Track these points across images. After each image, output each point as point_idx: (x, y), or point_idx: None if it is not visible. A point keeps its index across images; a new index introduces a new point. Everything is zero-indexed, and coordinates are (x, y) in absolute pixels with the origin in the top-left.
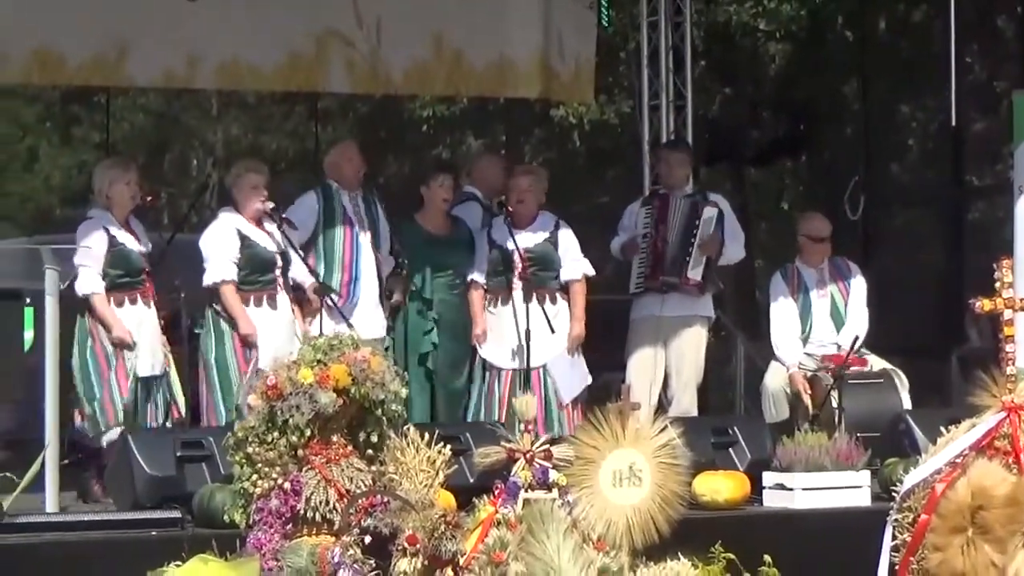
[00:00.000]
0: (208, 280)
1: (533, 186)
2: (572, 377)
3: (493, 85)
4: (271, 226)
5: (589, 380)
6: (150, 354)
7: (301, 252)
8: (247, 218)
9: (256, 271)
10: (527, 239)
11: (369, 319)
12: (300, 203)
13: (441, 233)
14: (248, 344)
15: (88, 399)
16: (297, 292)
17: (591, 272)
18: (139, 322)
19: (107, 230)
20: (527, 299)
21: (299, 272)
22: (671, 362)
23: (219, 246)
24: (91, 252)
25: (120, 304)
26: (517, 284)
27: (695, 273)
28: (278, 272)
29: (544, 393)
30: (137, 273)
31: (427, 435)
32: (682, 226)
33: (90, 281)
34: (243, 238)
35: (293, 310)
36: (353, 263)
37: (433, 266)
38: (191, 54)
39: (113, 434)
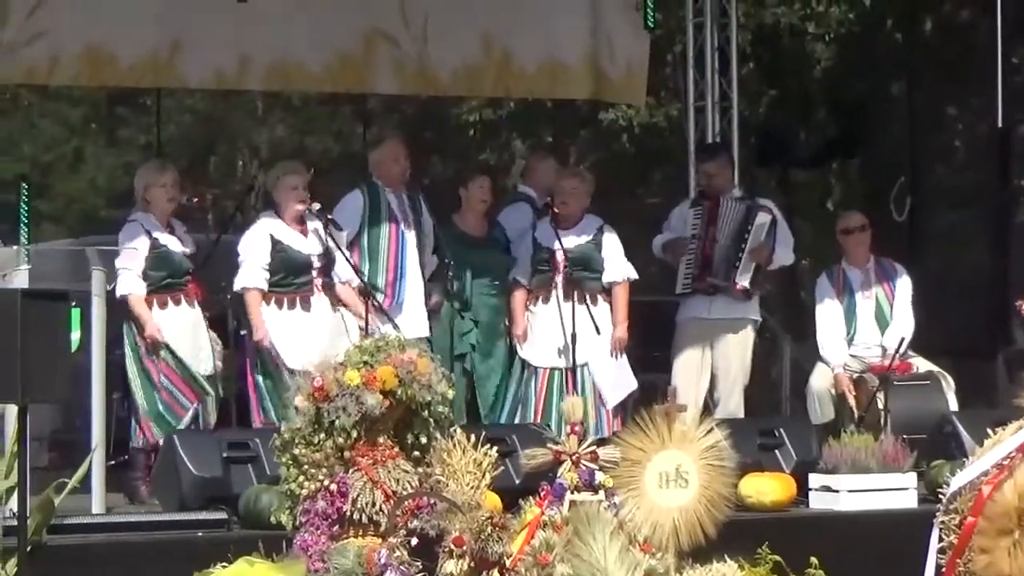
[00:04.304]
0: (236, 286)
1: (578, 188)
2: (617, 382)
3: (543, 86)
4: (314, 226)
5: (634, 386)
6: (195, 354)
7: (347, 252)
8: (287, 220)
9: (290, 274)
10: (570, 240)
11: (414, 319)
12: (345, 202)
13: (478, 235)
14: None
15: (151, 408)
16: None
17: (634, 276)
18: (184, 323)
19: (149, 232)
20: (568, 298)
21: (345, 273)
22: (718, 364)
23: (249, 252)
24: (133, 254)
25: (164, 306)
26: (558, 283)
27: (743, 279)
28: (314, 274)
29: (583, 394)
30: (181, 275)
31: (473, 437)
32: (733, 230)
33: (128, 283)
34: (275, 243)
35: (339, 311)
36: (398, 262)
37: (472, 268)
38: (241, 55)
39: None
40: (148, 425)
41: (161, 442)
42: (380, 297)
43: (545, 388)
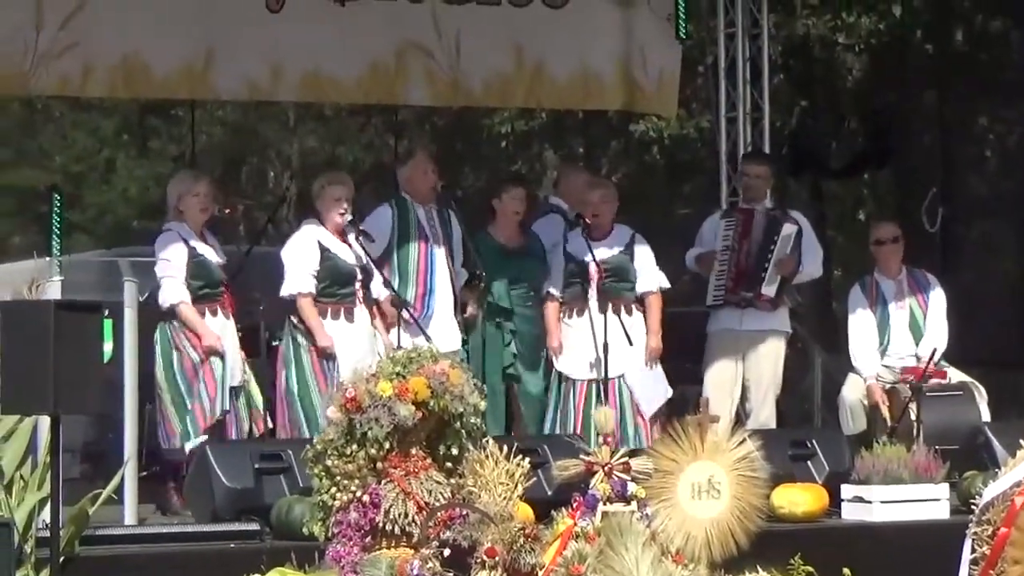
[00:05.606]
0: (285, 291)
1: (607, 199)
2: (653, 390)
3: (575, 97)
4: (352, 238)
5: (670, 393)
6: (232, 364)
7: (377, 263)
8: (330, 230)
9: (335, 283)
10: (603, 251)
11: (444, 332)
12: (374, 216)
13: (514, 245)
14: (325, 356)
15: (179, 413)
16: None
17: (666, 285)
18: (221, 332)
19: (186, 242)
20: (602, 309)
21: (376, 285)
22: (749, 375)
23: (299, 258)
24: (172, 263)
25: (201, 315)
26: (592, 294)
27: (769, 289)
28: (358, 285)
29: (619, 404)
30: (217, 284)
31: (506, 448)
32: (759, 242)
33: (175, 291)
34: (324, 250)
35: (374, 324)
36: (428, 276)
37: (509, 278)
38: (274, 66)
39: (197, 442)
40: (174, 431)
41: (186, 448)
42: (411, 310)
43: (584, 400)
